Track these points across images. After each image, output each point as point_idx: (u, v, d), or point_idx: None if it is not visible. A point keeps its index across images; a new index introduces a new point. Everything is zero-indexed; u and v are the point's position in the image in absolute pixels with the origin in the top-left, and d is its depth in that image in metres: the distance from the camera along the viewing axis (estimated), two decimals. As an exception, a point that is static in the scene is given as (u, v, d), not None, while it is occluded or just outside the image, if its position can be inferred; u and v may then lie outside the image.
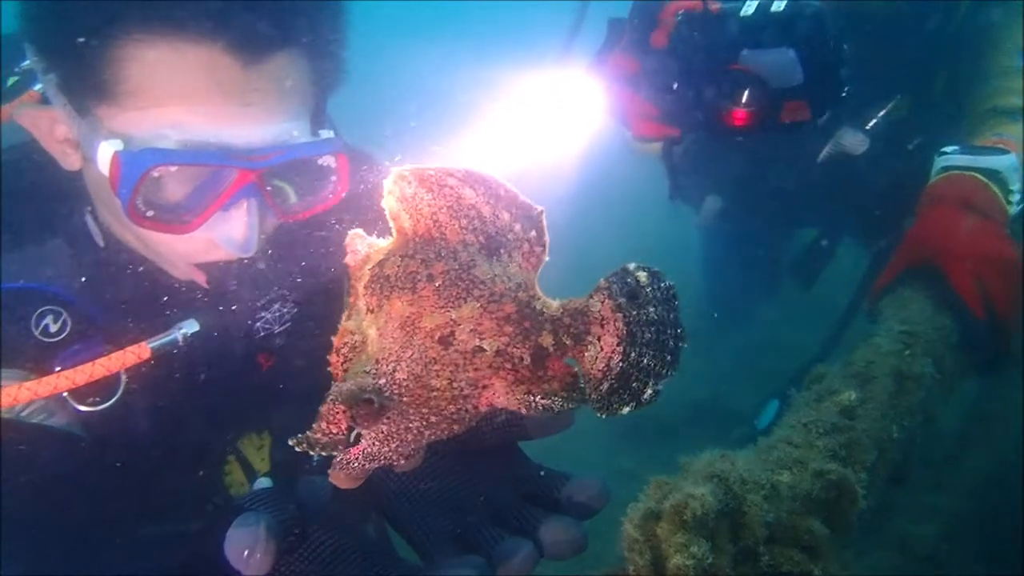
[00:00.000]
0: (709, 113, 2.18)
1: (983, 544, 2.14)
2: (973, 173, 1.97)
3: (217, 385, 1.53)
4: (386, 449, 0.78)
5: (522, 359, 0.80)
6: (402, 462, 0.81)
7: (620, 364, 0.82)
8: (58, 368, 1.41)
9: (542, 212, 0.84)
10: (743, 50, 2.11)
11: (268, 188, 1.33)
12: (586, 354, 0.82)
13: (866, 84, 2.50)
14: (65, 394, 1.43)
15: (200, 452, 1.65)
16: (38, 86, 1.43)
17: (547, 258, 0.84)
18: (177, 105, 1.25)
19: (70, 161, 1.41)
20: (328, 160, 1.40)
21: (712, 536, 1.12)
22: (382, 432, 0.78)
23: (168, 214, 1.31)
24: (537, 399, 0.79)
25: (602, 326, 0.80)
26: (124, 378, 1.47)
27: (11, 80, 1.56)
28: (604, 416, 0.82)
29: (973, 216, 1.87)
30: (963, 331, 1.74)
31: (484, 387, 0.80)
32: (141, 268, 1.48)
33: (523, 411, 0.80)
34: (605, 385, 0.82)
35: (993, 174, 1.96)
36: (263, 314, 1.52)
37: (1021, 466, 2.27)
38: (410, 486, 0.92)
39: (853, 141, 2.51)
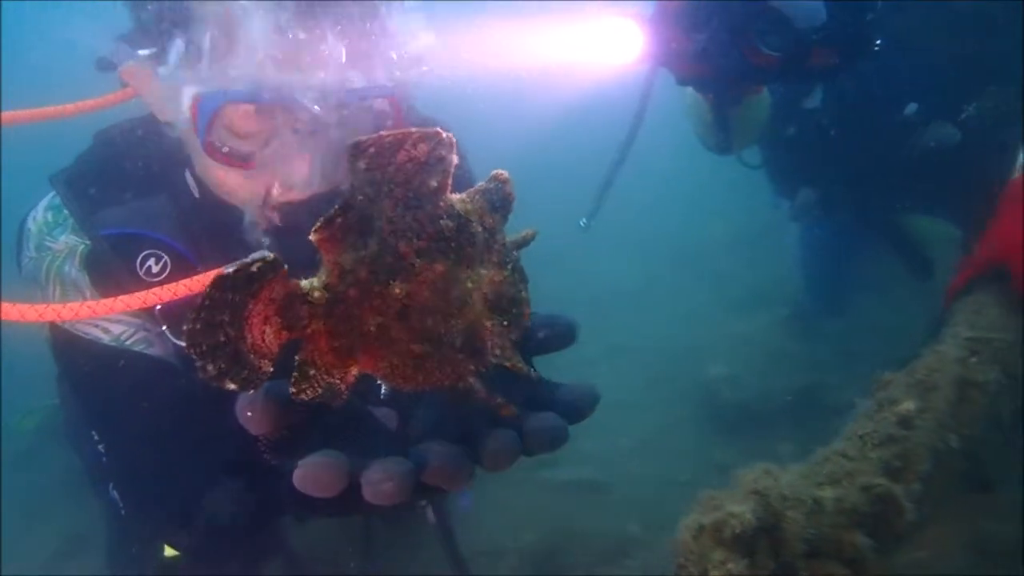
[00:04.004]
0: (736, 51, 2.23)
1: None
2: (1056, 168, 1.92)
3: None
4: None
5: None
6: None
7: None
8: (159, 306, 1.58)
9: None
10: None
11: (329, 133, 1.49)
12: None
13: (958, 77, 2.46)
14: (164, 328, 1.65)
15: None
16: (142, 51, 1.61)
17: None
18: (249, 55, 1.45)
19: (164, 114, 1.63)
20: (383, 105, 1.56)
21: (752, 552, 1.19)
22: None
23: (240, 152, 1.51)
24: None
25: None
26: None
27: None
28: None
29: (1053, 214, 1.83)
30: (1031, 336, 1.71)
31: None
32: (229, 213, 1.65)
33: None
34: None
35: None
36: None
37: None
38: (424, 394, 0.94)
39: (944, 134, 2.48)
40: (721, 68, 2.29)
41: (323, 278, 0.78)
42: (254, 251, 1.57)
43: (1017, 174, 1.98)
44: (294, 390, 0.78)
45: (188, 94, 1.48)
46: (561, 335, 0.91)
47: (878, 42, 2.27)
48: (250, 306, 0.75)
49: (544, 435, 0.83)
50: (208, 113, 1.46)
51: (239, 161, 1.51)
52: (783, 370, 4.13)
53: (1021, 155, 2.00)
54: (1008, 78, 2.47)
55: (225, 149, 1.50)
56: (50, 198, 1.79)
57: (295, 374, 0.79)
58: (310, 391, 0.79)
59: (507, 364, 0.82)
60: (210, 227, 1.68)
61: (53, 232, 1.75)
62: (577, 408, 0.87)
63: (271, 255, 0.75)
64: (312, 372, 0.79)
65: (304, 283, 0.78)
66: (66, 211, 1.73)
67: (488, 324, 0.81)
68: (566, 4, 2.53)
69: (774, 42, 2.19)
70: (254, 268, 0.74)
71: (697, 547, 1.16)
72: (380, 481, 0.77)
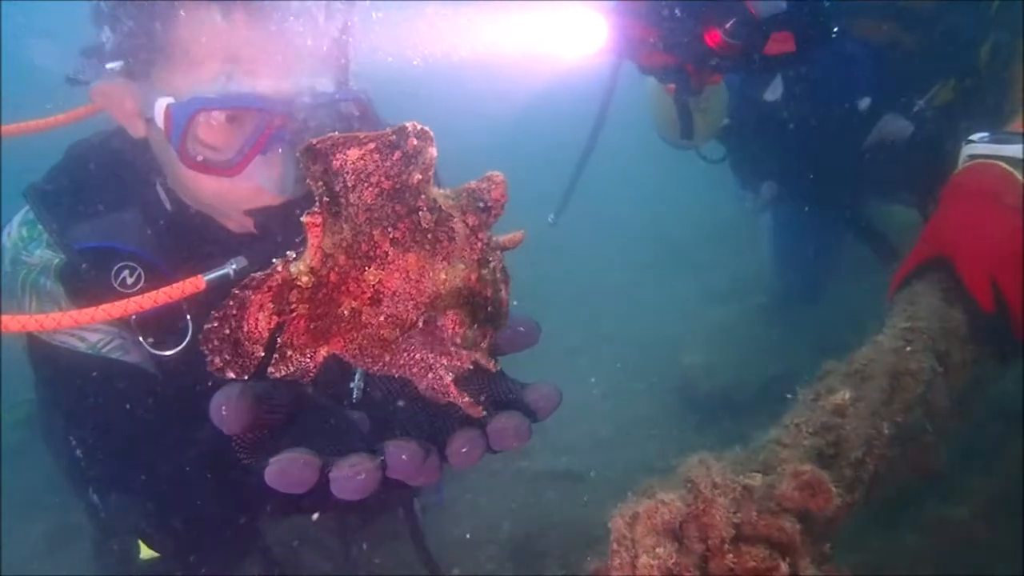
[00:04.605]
0: (697, 37, 2.26)
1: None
2: (998, 162, 1.97)
3: None
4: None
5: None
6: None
7: None
8: (134, 316, 1.63)
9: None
10: None
11: (300, 136, 1.53)
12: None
13: (912, 71, 2.52)
14: (141, 338, 1.68)
15: None
16: (110, 65, 1.65)
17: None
18: (219, 63, 1.50)
19: (137, 130, 1.67)
20: (351, 108, 1.61)
21: (681, 538, 1.26)
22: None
23: (216, 159, 1.54)
24: None
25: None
26: (191, 325, 1.69)
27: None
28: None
29: (993, 207, 1.88)
30: (972, 325, 1.77)
31: None
32: (201, 224, 1.70)
33: None
34: None
35: (1018, 163, 1.95)
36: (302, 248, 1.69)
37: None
38: (391, 391, 0.97)
39: (897, 127, 2.54)
40: (683, 57, 2.34)
41: (308, 262, 0.81)
42: (225, 256, 1.64)
43: (960, 167, 2.04)
44: (272, 369, 0.82)
45: (160, 105, 1.52)
46: (524, 335, 0.94)
47: (835, 29, 2.32)
48: (252, 296, 0.80)
49: (508, 433, 0.86)
50: (181, 122, 1.49)
51: (214, 168, 1.54)
52: (758, 358, 4.20)
53: (964, 150, 2.06)
54: (958, 72, 2.54)
55: (200, 157, 1.54)
56: (23, 213, 1.82)
57: (275, 355, 0.82)
58: (284, 370, 0.83)
59: (475, 356, 0.83)
60: (183, 239, 1.72)
61: (28, 247, 1.78)
62: (541, 407, 0.90)
63: (292, 254, 0.80)
64: (289, 353, 0.83)
65: (293, 268, 0.81)
66: (40, 226, 1.76)
67: (456, 318, 0.82)
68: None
69: (736, 30, 2.23)
70: (280, 267, 0.79)
71: (629, 533, 1.23)
72: (347, 476, 0.79)
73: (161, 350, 1.71)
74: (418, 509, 2.38)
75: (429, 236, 0.81)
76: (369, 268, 0.81)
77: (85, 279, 1.67)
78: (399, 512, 2.39)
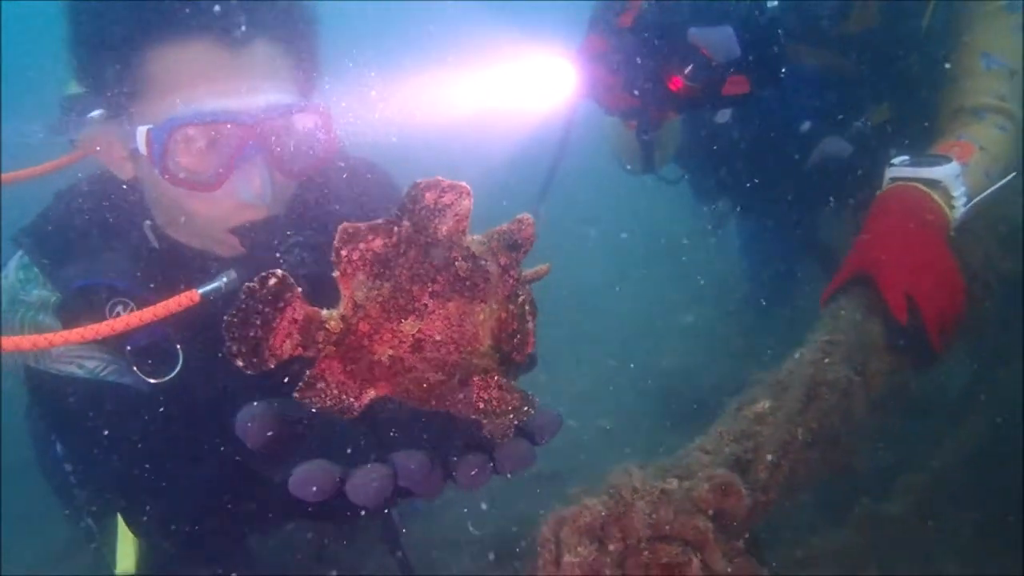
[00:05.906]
0: (659, 82, 2.42)
1: (958, 520, 2.31)
2: (916, 183, 2.13)
3: None
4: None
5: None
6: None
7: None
8: (128, 347, 1.76)
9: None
10: (691, 28, 2.36)
11: (270, 148, 1.68)
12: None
13: (850, 94, 2.68)
14: (135, 368, 1.79)
15: None
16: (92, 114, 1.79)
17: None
18: (189, 88, 1.65)
19: (126, 172, 1.82)
20: (315, 120, 1.75)
21: (602, 538, 1.42)
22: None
23: (196, 176, 1.68)
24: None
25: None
26: (181, 354, 1.80)
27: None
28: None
29: (909, 226, 2.04)
30: (890, 337, 1.93)
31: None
32: (189, 257, 1.84)
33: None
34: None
35: (935, 184, 2.11)
36: (286, 258, 1.74)
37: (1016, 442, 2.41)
38: (401, 416, 1.02)
39: (836, 148, 2.70)
40: (647, 100, 2.50)
41: (340, 309, 0.90)
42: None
43: (883, 189, 2.19)
44: (297, 395, 0.89)
45: (141, 132, 1.66)
46: (543, 427, 1.01)
47: (783, 71, 2.49)
48: (278, 320, 0.88)
49: (514, 459, 0.96)
50: (160, 139, 1.64)
51: (195, 184, 1.68)
52: (732, 360, 4.34)
53: (887, 172, 2.21)
54: (892, 93, 2.70)
55: (182, 175, 1.68)
56: (19, 257, 1.95)
57: (302, 382, 0.91)
58: (316, 400, 0.91)
59: (504, 425, 0.90)
60: (170, 274, 1.85)
61: (26, 287, 1.90)
62: (543, 433, 1.00)
63: (280, 272, 0.88)
64: (320, 385, 0.90)
65: (325, 312, 0.90)
66: (36, 268, 1.88)
67: (481, 383, 0.88)
68: (487, 46, 2.70)
69: (695, 75, 2.39)
70: (271, 281, 0.88)
71: (553, 535, 1.39)
72: (363, 484, 0.89)
73: (155, 378, 1.81)
74: (395, 514, 2.50)
75: (467, 283, 0.88)
76: (406, 320, 0.87)
77: (81, 315, 1.76)
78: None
